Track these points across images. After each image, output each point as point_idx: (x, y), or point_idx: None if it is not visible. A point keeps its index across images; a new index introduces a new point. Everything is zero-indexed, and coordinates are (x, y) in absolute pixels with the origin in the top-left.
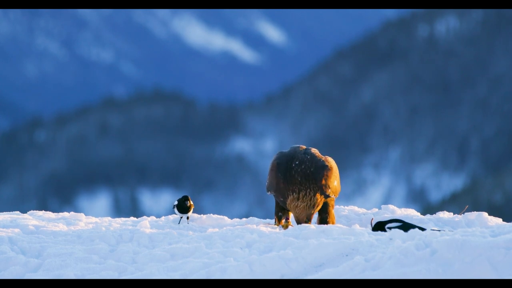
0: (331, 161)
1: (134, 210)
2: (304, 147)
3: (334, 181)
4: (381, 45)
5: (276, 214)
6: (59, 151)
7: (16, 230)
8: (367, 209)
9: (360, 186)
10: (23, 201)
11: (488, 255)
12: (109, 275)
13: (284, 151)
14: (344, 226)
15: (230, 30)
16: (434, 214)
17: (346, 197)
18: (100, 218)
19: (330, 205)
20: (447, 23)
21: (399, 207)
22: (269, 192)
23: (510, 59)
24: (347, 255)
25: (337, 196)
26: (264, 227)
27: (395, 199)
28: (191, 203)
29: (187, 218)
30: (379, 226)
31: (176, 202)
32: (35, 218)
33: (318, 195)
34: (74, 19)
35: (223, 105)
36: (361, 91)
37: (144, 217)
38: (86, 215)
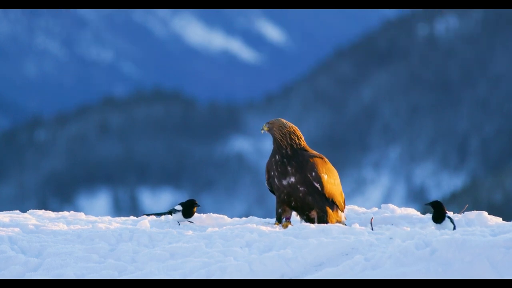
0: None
1: (134, 209)
2: None
3: (325, 175)
4: (381, 45)
5: (277, 210)
6: (59, 150)
7: (16, 229)
8: (367, 208)
9: (360, 185)
10: (23, 200)
11: (488, 254)
12: (109, 274)
13: None
14: (344, 225)
15: (230, 30)
16: None
17: (346, 196)
18: (100, 217)
19: (326, 204)
20: (447, 22)
21: (399, 206)
22: (266, 183)
23: (510, 59)
24: (347, 255)
25: (326, 193)
26: (264, 227)
27: (395, 198)
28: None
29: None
30: None
31: (179, 207)
32: (35, 217)
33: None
34: (74, 19)
35: (223, 105)
36: (361, 91)
37: (144, 216)
38: (86, 214)
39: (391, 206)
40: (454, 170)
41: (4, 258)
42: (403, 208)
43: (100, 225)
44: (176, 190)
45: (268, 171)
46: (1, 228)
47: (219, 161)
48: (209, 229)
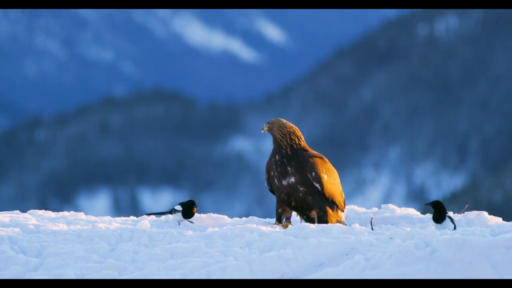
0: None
1: (134, 209)
2: None
3: (325, 175)
4: (381, 45)
5: (277, 210)
6: (59, 150)
7: (16, 229)
8: (367, 208)
9: (360, 185)
10: (23, 200)
11: (488, 254)
12: (109, 274)
13: None
14: (344, 225)
15: (230, 30)
16: None
17: (346, 196)
18: (100, 217)
19: (326, 204)
20: (447, 22)
21: (399, 206)
22: (266, 183)
23: (510, 59)
24: (347, 254)
25: (326, 193)
26: (264, 227)
27: (395, 198)
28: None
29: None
30: None
31: (179, 207)
32: (35, 217)
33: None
34: (74, 19)
35: (223, 105)
36: (361, 91)
37: (144, 216)
38: (86, 214)
39: (391, 206)
40: (454, 170)
41: (4, 258)
42: (403, 208)
43: (100, 225)
44: (176, 190)
45: (268, 171)
46: (1, 228)
47: (219, 161)
48: (209, 229)
